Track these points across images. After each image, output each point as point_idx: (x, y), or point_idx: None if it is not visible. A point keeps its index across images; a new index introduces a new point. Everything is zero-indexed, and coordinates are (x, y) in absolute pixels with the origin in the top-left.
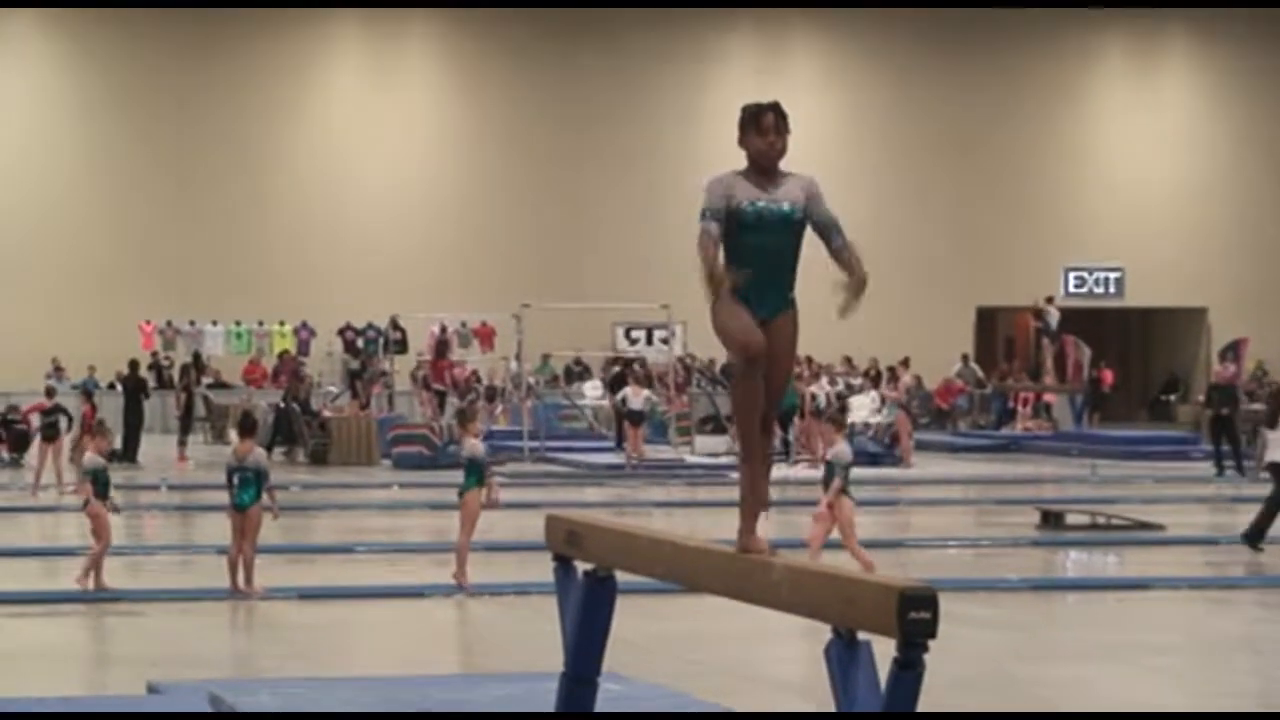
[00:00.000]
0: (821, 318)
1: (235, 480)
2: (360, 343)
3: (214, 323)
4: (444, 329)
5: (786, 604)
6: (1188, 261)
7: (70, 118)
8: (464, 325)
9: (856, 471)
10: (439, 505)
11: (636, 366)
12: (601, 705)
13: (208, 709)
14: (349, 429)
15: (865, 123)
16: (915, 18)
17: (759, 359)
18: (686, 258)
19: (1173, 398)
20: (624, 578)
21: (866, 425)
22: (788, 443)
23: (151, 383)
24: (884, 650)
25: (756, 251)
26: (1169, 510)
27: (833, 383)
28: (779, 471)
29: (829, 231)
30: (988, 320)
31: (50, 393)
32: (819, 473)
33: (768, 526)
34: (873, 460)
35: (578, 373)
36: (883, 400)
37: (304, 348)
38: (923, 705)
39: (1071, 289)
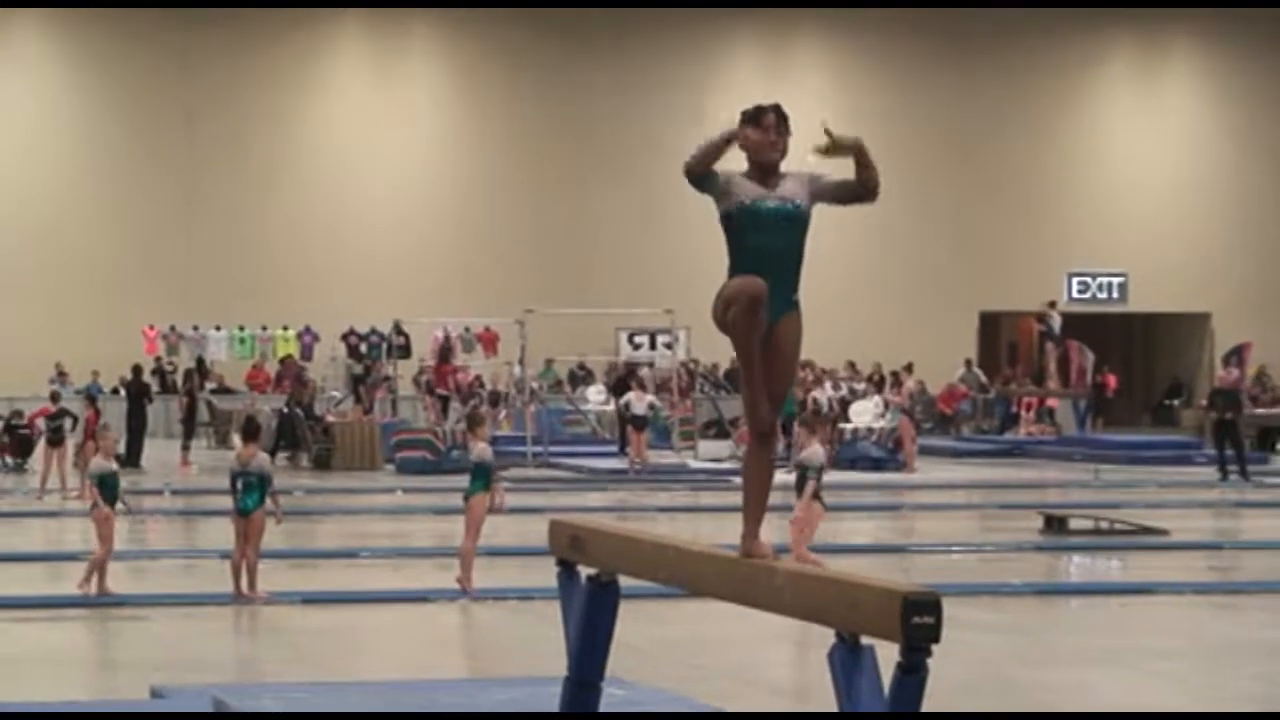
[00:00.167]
0: (825, 322)
1: (239, 485)
2: (363, 348)
3: (217, 327)
4: (447, 334)
5: (790, 608)
6: (1191, 266)
7: (73, 121)
8: (467, 330)
9: (860, 476)
10: (442, 510)
11: (648, 370)
12: (605, 710)
13: (211, 713)
14: (352, 434)
15: (868, 127)
16: (918, 22)
17: (760, 298)
18: (689, 261)
19: (1176, 402)
20: (627, 582)
21: (870, 430)
22: (789, 448)
23: (155, 388)
24: (888, 655)
25: (761, 253)
26: (1172, 515)
27: (836, 387)
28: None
29: (844, 184)
30: (991, 325)
31: (55, 397)
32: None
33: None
34: (876, 465)
35: (581, 378)
36: (886, 405)
37: (307, 352)
38: (926, 709)
39: (1075, 294)
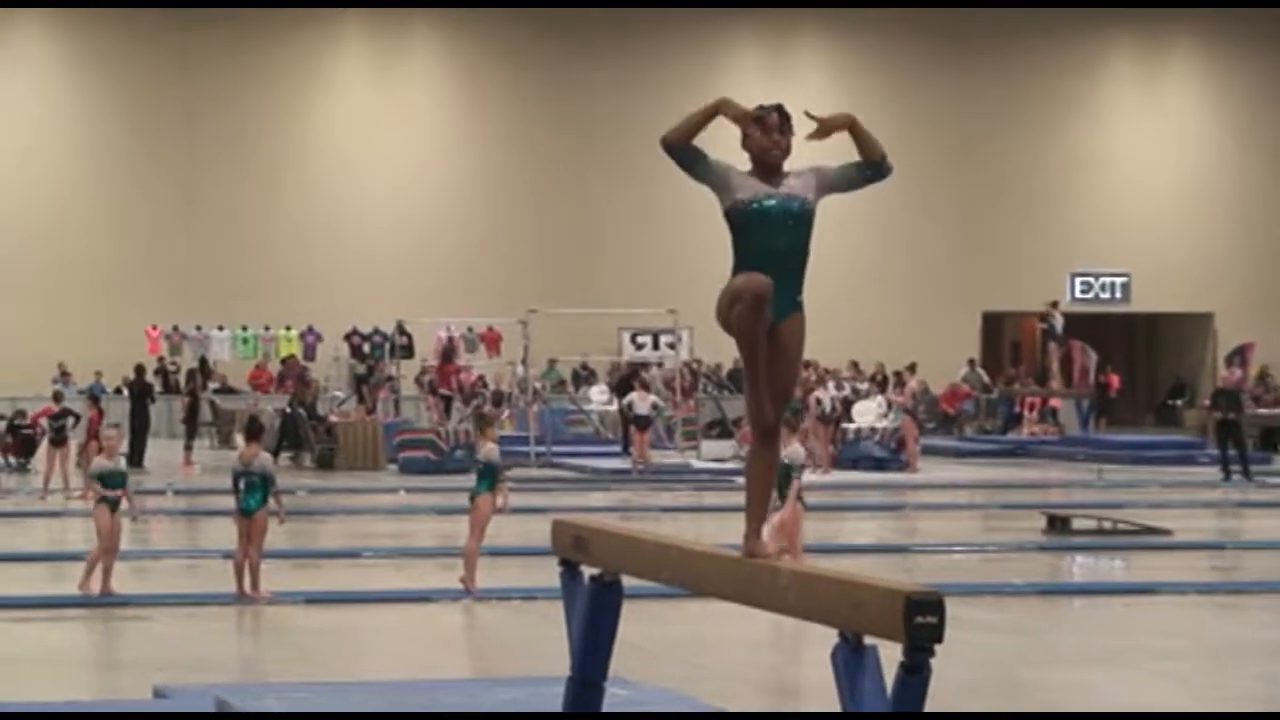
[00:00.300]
0: (828, 322)
1: (241, 485)
2: (366, 347)
3: (220, 327)
4: (450, 335)
5: (793, 608)
6: (1194, 266)
7: (75, 121)
8: (470, 330)
9: (863, 476)
10: (445, 510)
11: (656, 370)
12: (608, 709)
13: (214, 713)
14: (355, 434)
15: (872, 127)
16: (920, 22)
17: (765, 295)
18: (692, 261)
19: (1179, 403)
20: (630, 582)
21: (873, 430)
22: None
23: (158, 388)
24: (891, 655)
25: (765, 252)
26: (1175, 515)
27: (839, 387)
28: None
29: (848, 166)
30: (994, 325)
31: (58, 397)
32: (826, 477)
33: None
34: (879, 465)
35: (584, 377)
36: (889, 405)
37: (310, 352)
38: (929, 709)
39: (1078, 294)
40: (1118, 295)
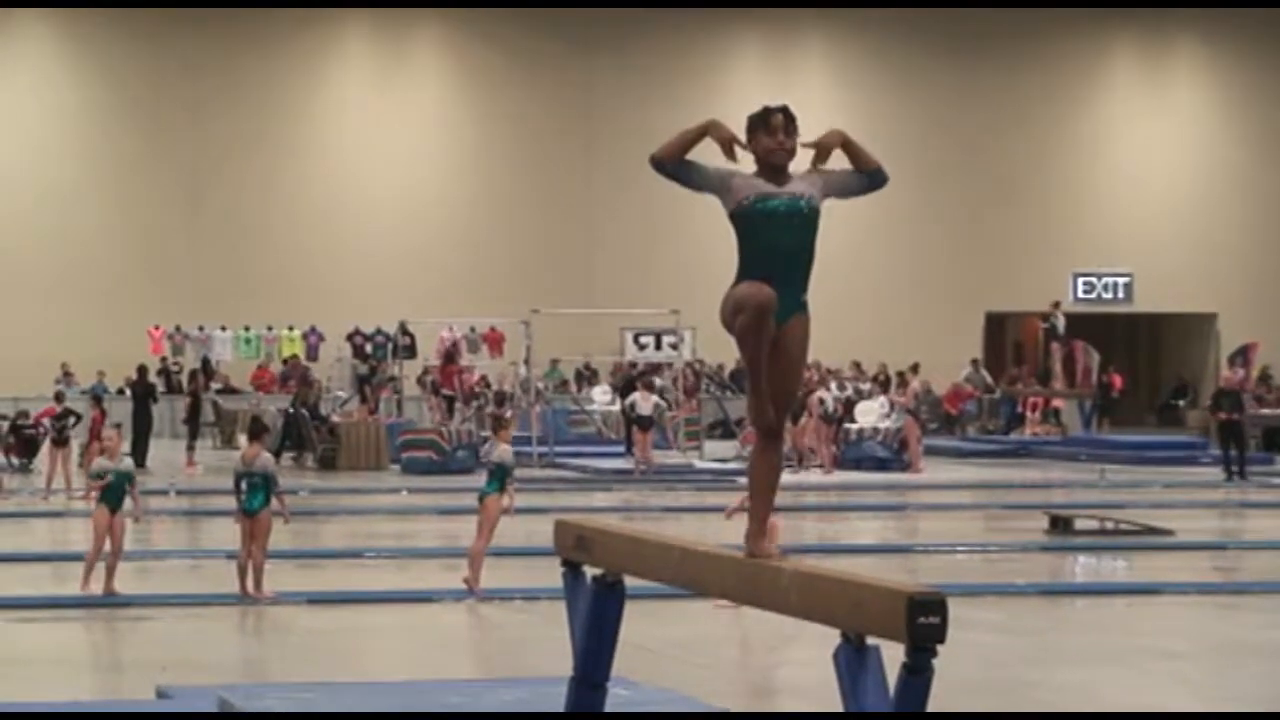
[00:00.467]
0: (830, 322)
1: (244, 485)
2: (369, 348)
3: (223, 328)
4: (453, 334)
5: (795, 609)
6: (1197, 266)
7: (78, 122)
8: (473, 330)
9: (866, 477)
10: (448, 510)
11: (666, 371)
12: (610, 710)
13: (217, 713)
14: (358, 434)
15: (871, 127)
16: (922, 22)
17: (768, 307)
18: (695, 261)
19: (1182, 403)
20: (633, 582)
21: (875, 430)
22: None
23: (160, 388)
24: (893, 655)
25: (770, 251)
26: (1178, 515)
27: (841, 388)
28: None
29: (850, 174)
30: (997, 325)
31: (59, 397)
32: (829, 477)
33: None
34: (881, 465)
35: (586, 378)
36: (891, 405)
37: (312, 353)
38: (931, 709)
39: (1080, 294)
40: (1120, 295)
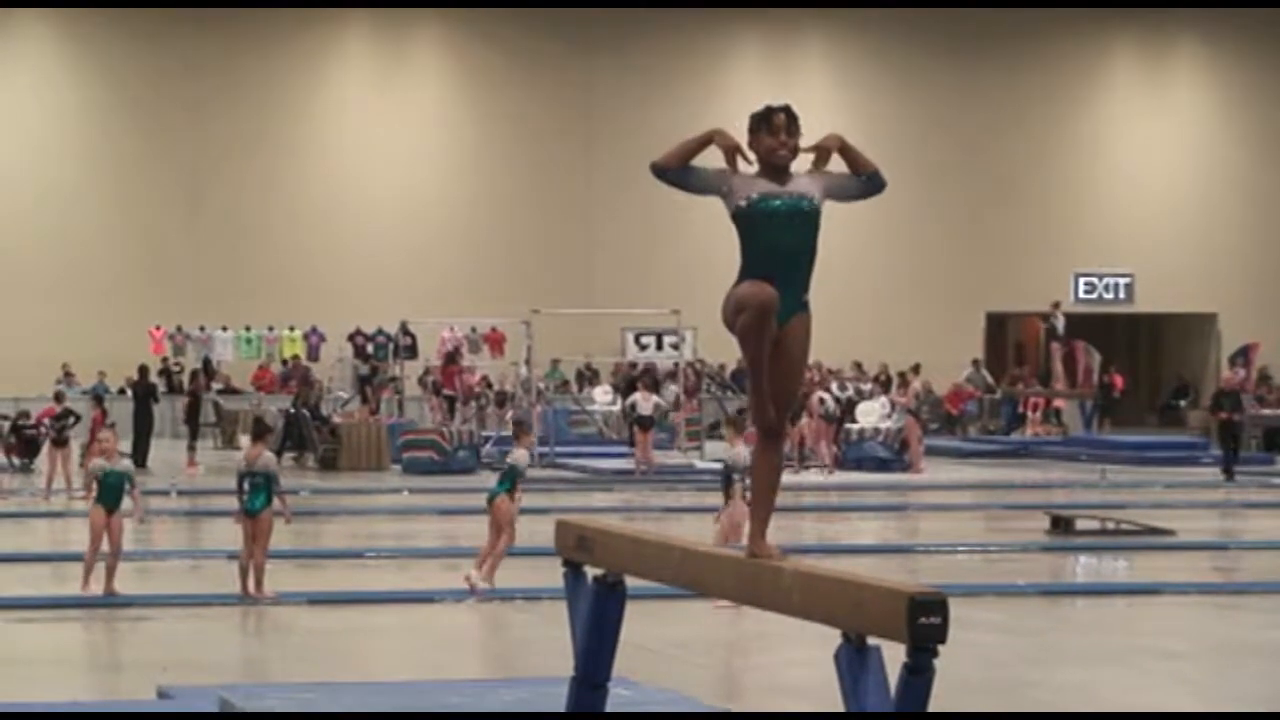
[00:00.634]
0: (831, 322)
1: (246, 485)
2: (370, 348)
3: (224, 328)
4: (454, 334)
5: (796, 609)
6: (1198, 267)
7: (79, 122)
8: (474, 330)
9: (867, 477)
10: (449, 510)
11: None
12: (611, 710)
13: (217, 713)
14: (359, 434)
15: (872, 127)
16: (923, 22)
17: (770, 307)
18: (696, 261)
19: (1183, 403)
20: (634, 583)
21: (876, 431)
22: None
23: (161, 388)
24: (894, 655)
25: (772, 250)
26: (1178, 515)
27: (842, 388)
28: (789, 477)
29: (849, 177)
30: (998, 325)
31: (59, 397)
32: (830, 477)
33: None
34: (882, 466)
35: (588, 378)
36: (892, 406)
37: (314, 353)
38: (932, 709)
39: (1081, 294)
40: (1121, 296)
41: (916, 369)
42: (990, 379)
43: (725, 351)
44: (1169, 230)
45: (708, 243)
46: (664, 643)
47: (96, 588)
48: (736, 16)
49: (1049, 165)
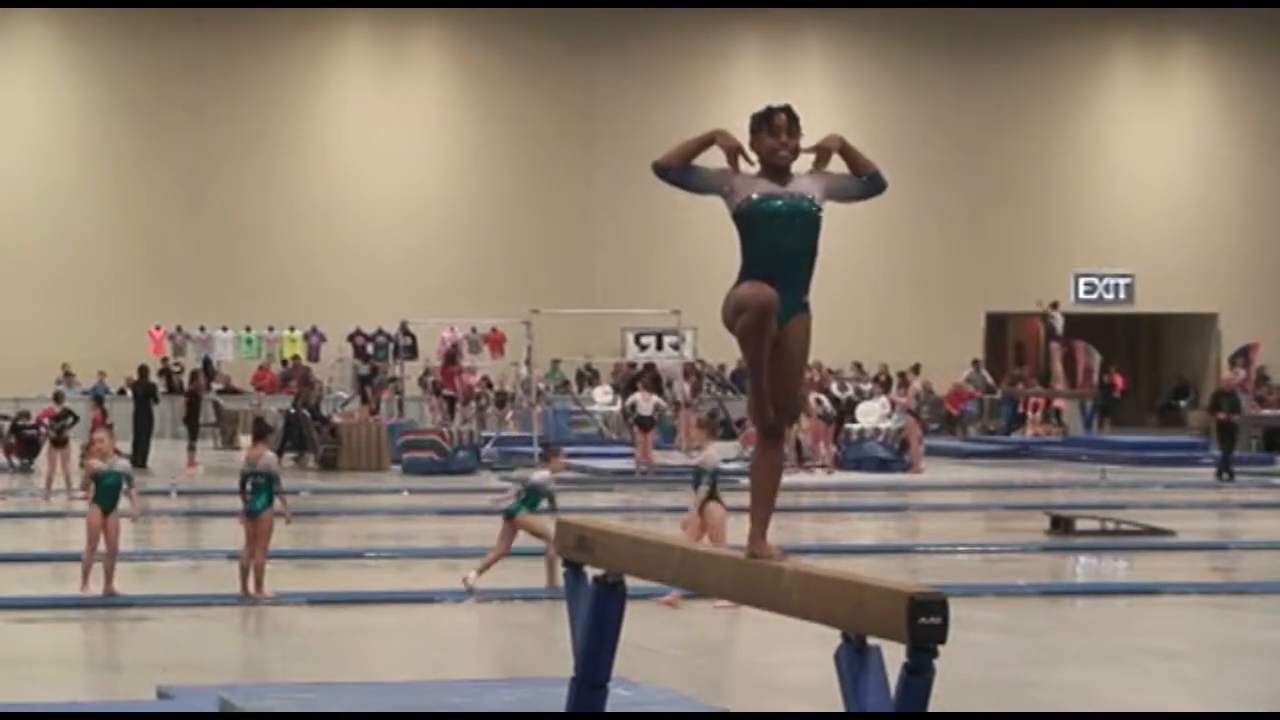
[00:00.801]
0: (831, 323)
1: (249, 486)
2: (370, 348)
3: (224, 328)
4: (454, 334)
5: (796, 609)
6: (1198, 267)
7: (79, 122)
8: (474, 331)
9: (867, 477)
10: (449, 511)
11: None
12: (611, 710)
13: (217, 713)
14: (359, 434)
15: (872, 127)
16: (923, 22)
17: (770, 308)
18: (696, 262)
19: (1183, 403)
20: (634, 583)
21: (876, 431)
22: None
23: (161, 388)
24: (894, 655)
25: (773, 250)
26: (1178, 516)
27: (842, 388)
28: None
29: (849, 177)
30: (998, 325)
31: (59, 398)
32: (831, 477)
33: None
34: (882, 466)
35: (588, 378)
36: (892, 406)
37: (314, 353)
38: (932, 709)
39: (1082, 294)
40: (1121, 296)
41: (916, 369)
42: (990, 379)
43: (725, 352)
44: (1169, 230)
45: (708, 243)
46: (663, 643)
47: (96, 588)
48: (736, 16)
49: (1049, 165)
